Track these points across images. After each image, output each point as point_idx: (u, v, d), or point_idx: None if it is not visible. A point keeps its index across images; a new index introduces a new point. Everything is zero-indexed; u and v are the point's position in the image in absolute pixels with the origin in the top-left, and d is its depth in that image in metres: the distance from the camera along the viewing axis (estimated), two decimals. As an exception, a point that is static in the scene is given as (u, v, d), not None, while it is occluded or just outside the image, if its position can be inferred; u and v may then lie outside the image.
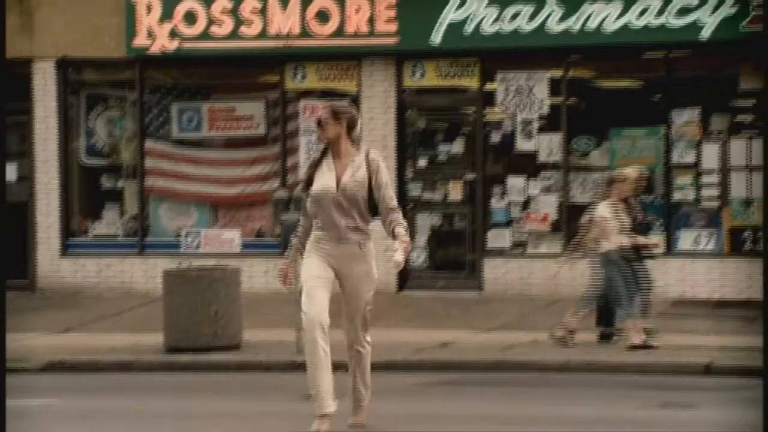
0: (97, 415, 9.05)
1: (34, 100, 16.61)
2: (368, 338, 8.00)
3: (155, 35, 16.01)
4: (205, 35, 15.87)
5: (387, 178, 7.73)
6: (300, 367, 11.58)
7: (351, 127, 7.75)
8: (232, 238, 16.26)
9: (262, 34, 15.79)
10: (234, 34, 15.84)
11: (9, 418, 8.96)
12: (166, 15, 15.97)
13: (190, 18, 15.95)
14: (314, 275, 7.62)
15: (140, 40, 16.06)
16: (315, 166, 7.73)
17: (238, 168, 16.32)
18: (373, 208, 7.73)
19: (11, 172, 16.93)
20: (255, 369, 11.66)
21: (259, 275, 15.67)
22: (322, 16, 15.66)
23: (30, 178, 16.71)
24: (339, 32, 15.59)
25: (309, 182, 7.71)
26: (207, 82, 16.57)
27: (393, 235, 7.65)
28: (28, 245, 16.61)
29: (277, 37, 15.78)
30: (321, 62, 15.91)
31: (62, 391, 10.59)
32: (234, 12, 15.88)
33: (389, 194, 7.71)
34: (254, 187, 16.19)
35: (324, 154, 7.77)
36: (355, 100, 15.90)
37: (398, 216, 7.69)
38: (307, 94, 16.12)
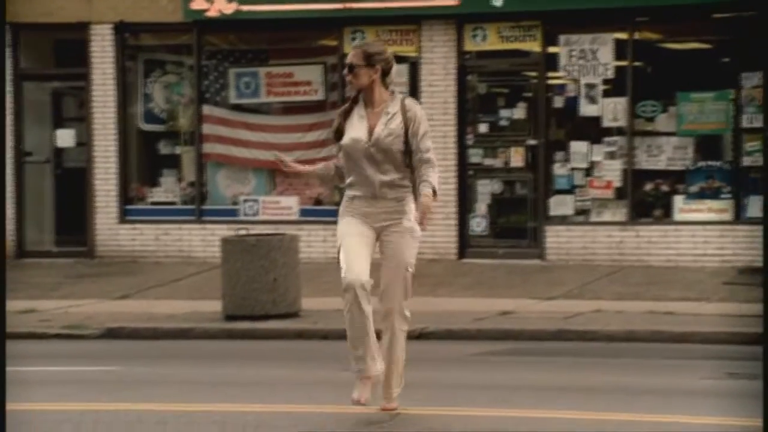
0: (155, 382, 9.14)
1: (91, 65, 16.72)
2: (407, 312, 7.11)
3: (213, -1, 16.05)
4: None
5: (426, 127, 7.03)
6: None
7: (386, 72, 7.03)
8: (290, 205, 16.31)
9: (322, -2, 15.77)
10: (292, -2, 15.83)
11: (69, 383, 9.09)
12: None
13: (246, -18, 15.96)
14: (352, 232, 6.96)
15: (198, 4, 16.10)
16: (345, 115, 7.04)
17: (296, 134, 16.36)
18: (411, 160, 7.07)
19: (70, 137, 17.10)
20: (313, 337, 11.71)
21: (317, 242, 15.72)
22: (382, -21, 15.60)
23: (88, 144, 16.85)
24: (399, -5, 15.52)
25: (339, 133, 7.04)
26: (265, 46, 16.59)
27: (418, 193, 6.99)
28: (87, 212, 16.78)
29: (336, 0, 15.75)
30: (380, 26, 15.86)
31: (121, 358, 10.71)
32: (293, -25, 15.86)
33: (425, 144, 6.99)
34: (312, 152, 16.21)
35: (354, 101, 7.06)
36: (415, 64, 15.85)
37: (430, 170, 6.98)
38: (366, 58, 16.07)
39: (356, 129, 6.97)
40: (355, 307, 6.86)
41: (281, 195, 16.48)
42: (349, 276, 6.87)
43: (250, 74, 16.50)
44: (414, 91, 15.91)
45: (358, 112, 7.01)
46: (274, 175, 16.55)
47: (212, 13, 16.06)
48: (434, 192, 6.98)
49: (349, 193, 7.04)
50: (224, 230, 15.03)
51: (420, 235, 7.05)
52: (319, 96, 16.29)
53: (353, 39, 16.02)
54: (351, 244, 6.94)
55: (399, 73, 16.33)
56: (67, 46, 17.16)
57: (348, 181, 7.06)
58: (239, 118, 16.56)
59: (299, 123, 16.42)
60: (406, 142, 6.96)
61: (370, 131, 6.95)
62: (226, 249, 12.66)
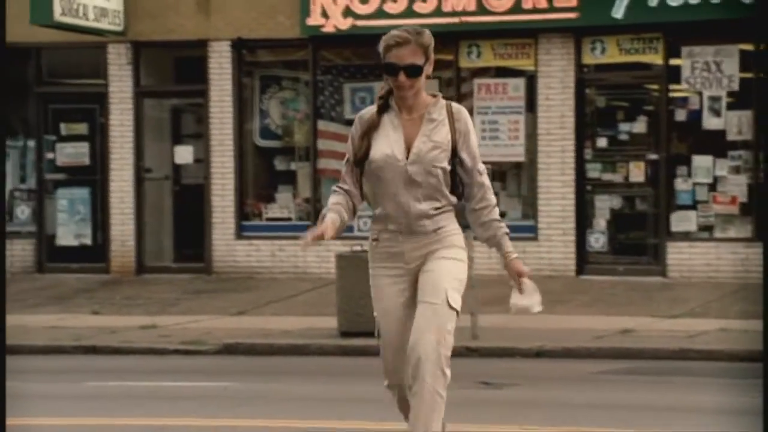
0: (271, 398, 9.24)
1: (209, 82, 17.00)
2: (447, 368, 5.23)
3: (329, 14, 16.20)
4: (379, 13, 15.99)
5: (476, 141, 5.42)
6: (474, 352, 11.64)
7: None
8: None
9: (437, 11, 15.82)
10: (408, 12, 15.91)
11: (187, 399, 9.24)
12: (341, -7, 16.15)
13: (364, -4, 16.08)
14: (388, 310, 5.34)
15: (314, 20, 16.27)
16: (372, 129, 5.34)
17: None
18: (456, 184, 5.38)
19: (188, 154, 17.40)
20: (429, 354, 11.71)
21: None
22: (499, -8, 15.59)
23: (206, 160, 17.12)
24: (515, 8, 15.50)
25: (364, 146, 5.33)
26: (380, 61, 16.65)
27: (494, 245, 5.42)
28: (204, 228, 17.04)
29: (452, 13, 15.79)
30: (496, 39, 15.86)
31: (237, 374, 10.85)
32: (407, -11, 15.94)
33: (479, 165, 5.39)
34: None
35: (384, 106, 5.36)
36: (531, 78, 15.81)
37: (495, 204, 5.42)
38: (482, 72, 16.09)
39: (389, 141, 5.30)
40: (405, 402, 5.37)
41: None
42: (390, 380, 5.37)
43: (365, 89, 16.61)
44: (531, 105, 15.87)
45: (390, 120, 5.33)
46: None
47: (328, 29, 16.22)
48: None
49: (375, 228, 5.40)
50: (339, 246, 15.14)
51: (466, 261, 5.43)
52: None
53: (469, 53, 16.04)
54: (389, 331, 5.32)
55: (515, 87, 16.31)
56: (186, 63, 17.48)
57: (375, 212, 5.40)
58: (355, 133, 16.67)
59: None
60: (453, 160, 5.32)
61: (408, 144, 5.30)
62: (341, 265, 12.75)
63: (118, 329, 13.31)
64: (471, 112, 16.03)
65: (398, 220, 5.32)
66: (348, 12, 16.12)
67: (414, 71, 5.22)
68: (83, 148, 17.37)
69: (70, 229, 17.44)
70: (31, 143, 17.48)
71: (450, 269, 5.30)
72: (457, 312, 5.32)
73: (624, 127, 15.69)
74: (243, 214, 17.04)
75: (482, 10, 15.64)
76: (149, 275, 17.01)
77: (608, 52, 15.55)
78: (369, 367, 11.94)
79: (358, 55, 16.71)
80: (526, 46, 15.83)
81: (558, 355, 11.40)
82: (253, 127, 17.11)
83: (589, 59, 15.64)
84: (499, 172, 15.97)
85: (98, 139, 17.31)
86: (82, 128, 17.48)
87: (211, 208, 17.01)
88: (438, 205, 5.32)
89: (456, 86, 16.19)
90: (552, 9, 15.40)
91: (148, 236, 17.31)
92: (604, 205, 15.70)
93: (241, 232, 16.96)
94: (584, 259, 15.57)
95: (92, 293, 16.15)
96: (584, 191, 15.67)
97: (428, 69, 5.27)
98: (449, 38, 16.03)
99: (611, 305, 14.01)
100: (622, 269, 15.46)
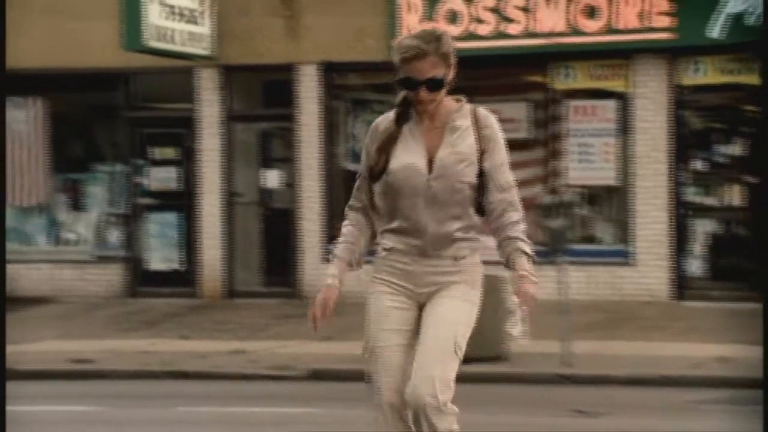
0: (356, 423, 9.19)
1: (298, 106, 17.07)
2: (448, 405, 4.72)
3: (418, 37, 16.14)
4: (468, 35, 15.93)
5: (505, 153, 4.81)
6: (567, 379, 11.48)
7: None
8: (493, 244, 16.23)
9: (528, 33, 15.73)
10: (498, 34, 15.84)
11: (274, 424, 9.21)
12: (429, 14, 16.12)
13: (453, 17, 16.04)
14: (386, 329, 4.84)
15: (403, 42, 16.23)
16: (390, 134, 4.78)
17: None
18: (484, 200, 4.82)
19: (276, 178, 17.47)
20: (518, 381, 11.59)
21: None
22: (591, 12, 15.46)
23: (294, 184, 17.18)
24: (608, 28, 15.35)
25: (382, 160, 4.76)
26: (469, 83, 16.57)
27: (509, 265, 4.85)
28: (293, 252, 17.08)
29: (543, 34, 15.68)
30: (589, 60, 15.71)
31: (325, 400, 10.82)
32: (498, 10, 15.88)
33: (506, 177, 4.79)
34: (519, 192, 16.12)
35: (403, 114, 4.81)
36: (624, 99, 15.63)
37: (516, 219, 4.83)
38: (574, 94, 15.95)
39: (410, 152, 4.75)
40: (388, 428, 4.81)
41: (486, 235, 16.41)
42: (378, 397, 4.82)
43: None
44: (624, 127, 15.68)
45: (410, 130, 4.79)
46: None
47: (417, 51, 16.16)
48: (529, 258, 4.82)
49: (385, 242, 4.84)
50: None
51: (478, 303, 4.86)
52: (525, 134, 16.20)
53: (561, 74, 15.90)
54: (383, 354, 4.83)
55: (608, 109, 16.13)
56: (275, 87, 17.57)
57: (389, 225, 4.82)
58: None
59: (506, 161, 16.32)
60: (480, 173, 4.75)
61: (431, 156, 4.73)
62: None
63: (207, 354, 13.36)
64: (564, 135, 16.05)
65: (415, 240, 4.75)
66: (437, 34, 16.05)
67: (436, 85, 4.70)
68: (173, 172, 17.53)
69: (160, 254, 17.58)
70: (122, 168, 17.67)
71: (463, 311, 4.76)
72: (460, 360, 4.76)
73: (721, 149, 15.43)
74: (331, 238, 17.04)
75: (574, 31, 15.51)
76: (238, 300, 17.08)
77: (705, 73, 15.32)
78: (457, 394, 11.84)
79: (447, 78, 16.63)
80: (620, 67, 15.66)
81: (654, 383, 11.20)
82: (342, 150, 17.12)
83: (685, 80, 15.42)
84: (591, 196, 15.79)
85: (188, 164, 17.45)
86: (172, 152, 17.64)
87: (300, 232, 17.05)
88: (461, 226, 4.77)
89: (547, 108, 16.06)
90: (647, 29, 15.22)
91: (237, 261, 17.39)
92: (701, 229, 15.45)
93: (328, 257, 16.92)
94: (681, 285, 15.32)
95: (182, 318, 16.25)
96: (680, 215, 15.43)
97: (450, 76, 4.74)
98: (540, 60, 15.91)
99: (708, 332, 13.75)
100: (720, 295, 15.18)
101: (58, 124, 17.87)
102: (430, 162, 4.74)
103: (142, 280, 17.54)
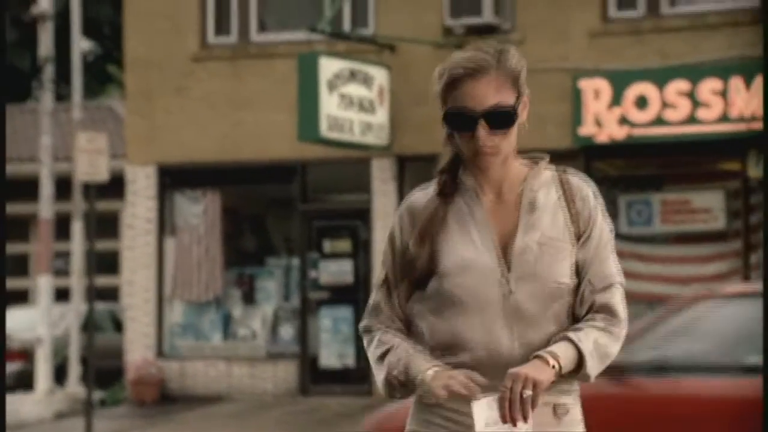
0: None
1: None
2: None
3: (603, 123, 15.74)
4: (658, 121, 15.42)
5: (609, 236, 3.24)
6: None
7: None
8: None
9: (723, 118, 15.14)
10: (690, 119, 15.29)
11: None
12: (616, 100, 15.67)
13: (642, 102, 15.56)
14: None
15: (587, 129, 15.83)
16: (434, 216, 3.21)
17: (693, 265, 15.65)
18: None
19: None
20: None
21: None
22: (790, 95, 14.81)
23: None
24: (810, 112, 14.66)
25: (425, 255, 3.16)
26: (659, 171, 16.08)
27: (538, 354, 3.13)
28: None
29: (740, 120, 15.07)
30: (789, 146, 15.02)
31: None
32: (691, 94, 15.34)
33: (605, 271, 3.21)
34: (712, 286, 15.45)
35: (450, 184, 3.25)
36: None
37: (604, 328, 3.16)
38: (773, 182, 15.26)
39: (468, 241, 3.16)
40: None
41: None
42: None
43: (643, 202, 16.00)
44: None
45: (465, 207, 3.21)
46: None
47: (602, 139, 15.73)
48: (580, 359, 3.11)
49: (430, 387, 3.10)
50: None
51: None
52: (720, 224, 15.55)
53: (758, 161, 15.23)
54: None
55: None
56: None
57: (443, 360, 3.14)
58: (631, 248, 16.06)
59: (697, 254, 15.72)
60: (577, 270, 3.19)
61: (504, 245, 3.17)
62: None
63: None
64: (760, 226, 15.33)
65: (491, 380, 3.04)
66: (624, 120, 15.61)
67: (503, 119, 3.12)
68: (346, 265, 17.36)
69: (334, 350, 17.37)
70: (295, 261, 17.59)
71: None
72: None
73: None
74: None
75: (772, 115, 14.86)
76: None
77: None
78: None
79: (634, 165, 16.14)
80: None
81: None
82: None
83: None
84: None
85: (361, 256, 17.28)
86: (345, 245, 17.49)
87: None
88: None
89: (744, 197, 15.40)
90: None
91: (413, 358, 17.05)
92: None
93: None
94: None
95: (355, 418, 15.95)
96: None
97: (523, 114, 3.22)
98: (736, 146, 15.29)
99: None
100: None
101: (232, 217, 17.94)
102: (505, 255, 3.10)
103: (315, 377, 17.34)
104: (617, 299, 3.19)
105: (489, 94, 3.15)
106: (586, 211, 3.24)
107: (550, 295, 3.14)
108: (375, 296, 3.25)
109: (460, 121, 3.18)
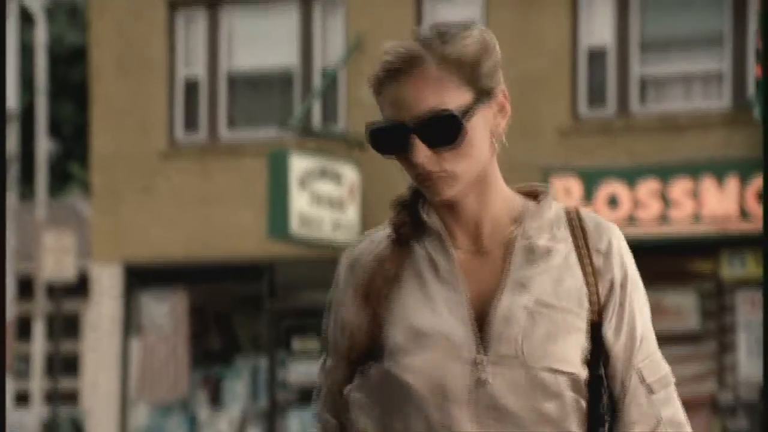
0: None
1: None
2: None
3: (575, 222, 15.86)
4: (629, 220, 15.57)
5: (647, 311, 2.32)
6: None
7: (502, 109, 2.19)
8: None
9: (695, 218, 15.29)
10: (662, 219, 15.43)
11: None
12: (588, 197, 15.83)
13: (613, 201, 15.73)
14: None
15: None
16: (385, 271, 2.18)
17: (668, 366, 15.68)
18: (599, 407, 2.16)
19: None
20: None
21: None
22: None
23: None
24: (782, 212, 14.84)
25: (366, 325, 2.16)
26: (632, 271, 16.17)
27: None
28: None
29: (712, 221, 15.23)
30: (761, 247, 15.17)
31: None
32: (662, 194, 15.51)
33: (653, 367, 2.24)
34: (686, 390, 15.47)
35: (405, 226, 2.21)
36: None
37: None
38: (745, 284, 15.36)
39: (429, 306, 2.15)
40: None
41: None
42: None
43: (617, 302, 16.09)
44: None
45: (430, 257, 2.18)
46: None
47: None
48: None
49: None
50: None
51: None
52: (693, 325, 15.63)
53: (731, 263, 15.36)
54: None
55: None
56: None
57: None
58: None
59: (671, 355, 15.74)
60: (597, 354, 2.17)
61: (480, 312, 2.14)
62: None
63: None
64: (734, 328, 15.42)
65: None
66: (596, 220, 15.74)
67: (444, 130, 2.11)
68: (316, 365, 17.31)
69: (302, 453, 17.25)
70: (263, 361, 17.53)
71: None
72: None
73: None
74: None
75: (745, 216, 15.02)
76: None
77: None
78: None
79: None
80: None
81: None
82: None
83: None
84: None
85: (332, 357, 17.23)
86: (315, 344, 17.46)
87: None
88: None
89: (717, 299, 15.50)
90: (823, 212, 14.66)
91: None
92: None
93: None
94: None
95: None
96: None
97: (497, 121, 2.17)
98: (708, 247, 15.42)
99: None
100: None
101: (200, 315, 17.90)
102: (481, 326, 2.13)
103: (283, 482, 17.19)
104: (680, 407, 2.24)
105: (422, 95, 2.11)
106: (614, 269, 2.22)
107: (541, 389, 2.11)
108: (319, 377, 2.38)
109: (388, 139, 2.14)
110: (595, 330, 2.18)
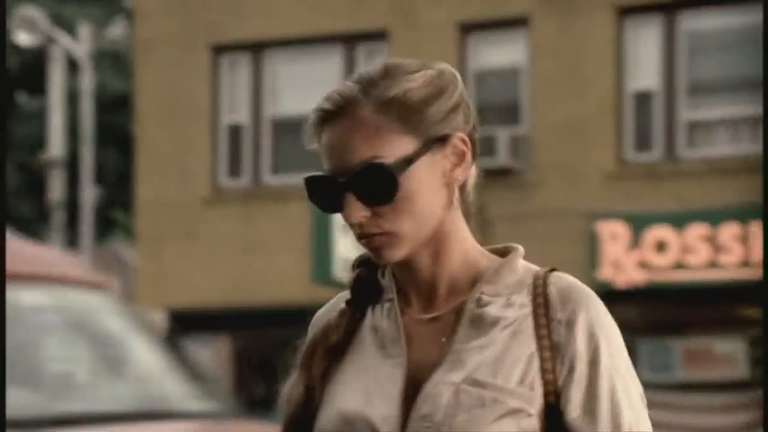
0: None
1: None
2: None
3: (621, 266, 15.76)
4: (678, 265, 15.45)
5: (631, 381, 2.11)
6: None
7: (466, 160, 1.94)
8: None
9: (743, 263, 15.16)
10: (712, 264, 15.30)
11: None
12: (634, 244, 15.72)
13: (661, 246, 15.61)
14: None
15: (605, 272, 15.85)
16: (325, 339, 2.03)
17: (717, 415, 15.52)
18: None
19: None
20: None
21: None
22: (812, 240, 14.85)
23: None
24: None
25: (298, 399, 2.05)
26: (679, 317, 16.04)
27: None
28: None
29: (761, 266, 15.09)
30: (812, 292, 15.00)
31: None
32: (711, 239, 15.39)
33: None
34: (737, 437, 15.32)
35: (360, 288, 2.05)
36: None
37: None
38: (796, 328, 15.21)
39: (360, 383, 1.96)
40: None
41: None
42: None
43: (663, 349, 15.93)
44: None
45: (377, 323, 2.00)
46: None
47: (621, 283, 15.75)
48: None
49: None
50: None
51: None
52: (742, 373, 15.46)
53: (781, 308, 15.20)
54: None
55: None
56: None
57: None
58: (653, 397, 15.95)
59: (721, 403, 15.59)
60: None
61: (416, 386, 1.92)
62: None
63: None
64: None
65: None
66: (644, 264, 15.64)
67: (378, 185, 1.89)
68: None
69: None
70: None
71: None
72: None
73: None
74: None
75: (794, 259, 14.88)
76: None
77: None
78: None
79: (654, 310, 16.11)
80: None
81: None
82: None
83: None
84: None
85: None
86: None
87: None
88: None
89: (765, 346, 15.33)
90: None
91: None
92: None
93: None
94: None
95: None
96: None
97: (456, 172, 1.93)
98: (758, 293, 15.26)
99: None
100: None
101: (243, 361, 17.89)
102: (410, 404, 1.92)
103: None
104: None
105: (355, 144, 1.89)
106: (576, 343, 1.95)
107: None
108: None
109: (323, 194, 1.97)
110: (551, 412, 1.88)
